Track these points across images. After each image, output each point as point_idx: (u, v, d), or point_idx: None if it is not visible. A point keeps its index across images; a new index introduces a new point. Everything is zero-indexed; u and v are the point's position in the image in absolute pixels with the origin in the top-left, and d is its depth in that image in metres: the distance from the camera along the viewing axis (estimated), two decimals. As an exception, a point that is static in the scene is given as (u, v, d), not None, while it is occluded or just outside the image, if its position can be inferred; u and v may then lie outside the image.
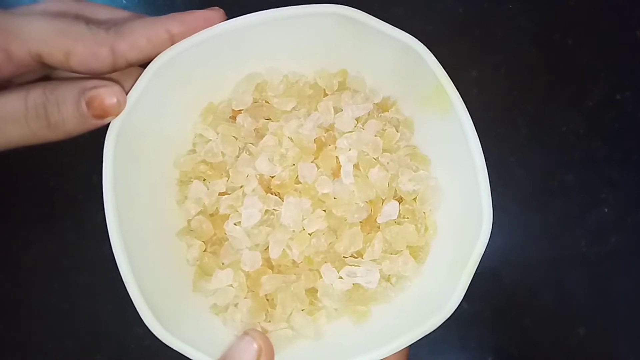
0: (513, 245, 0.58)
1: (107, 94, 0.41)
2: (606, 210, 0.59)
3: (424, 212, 0.50)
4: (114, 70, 0.43)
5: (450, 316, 0.42)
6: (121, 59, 0.42)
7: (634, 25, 0.64)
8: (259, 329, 0.46)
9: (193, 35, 0.44)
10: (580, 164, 0.60)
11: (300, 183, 0.48)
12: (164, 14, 0.44)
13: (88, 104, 0.41)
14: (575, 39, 0.62)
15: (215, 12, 0.45)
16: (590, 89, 0.62)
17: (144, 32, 0.42)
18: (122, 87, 0.43)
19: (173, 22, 0.43)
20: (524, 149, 0.60)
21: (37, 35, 0.40)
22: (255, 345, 0.43)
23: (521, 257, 0.58)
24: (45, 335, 0.55)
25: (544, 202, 0.59)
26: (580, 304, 0.58)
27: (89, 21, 0.42)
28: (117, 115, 0.43)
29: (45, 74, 0.46)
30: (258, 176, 0.49)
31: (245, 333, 0.45)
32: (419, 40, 0.45)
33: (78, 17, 0.43)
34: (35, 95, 0.41)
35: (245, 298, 0.47)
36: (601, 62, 0.62)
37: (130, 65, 0.43)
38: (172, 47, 0.44)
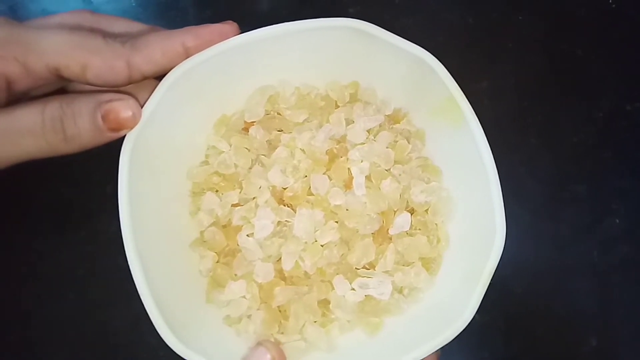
0: (524, 255, 0.58)
1: (123, 107, 0.42)
2: (617, 220, 0.59)
3: (436, 224, 0.50)
4: (129, 83, 0.43)
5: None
6: (137, 72, 0.42)
7: (644, 35, 0.63)
8: (272, 340, 0.46)
9: (207, 49, 0.45)
10: (591, 174, 0.60)
11: (313, 195, 0.49)
12: (177, 25, 0.44)
13: (104, 117, 0.41)
14: (584, 50, 0.63)
15: (230, 25, 0.45)
16: (600, 99, 0.62)
17: (160, 45, 0.43)
18: (137, 100, 0.43)
19: (188, 36, 0.44)
20: (535, 159, 0.60)
21: (54, 49, 0.41)
22: (268, 356, 0.43)
23: (532, 267, 0.58)
24: (59, 345, 0.55)
25: (555, 212, 0.59)
26: (592, 314, 0.57)
27: (105, 34, 0.43)
28: (132, 128, 0.43)
29: (61, 86, 0.46)
30: (270, 188, 0.49)
31: (259, 344, 0.45)
32: (429, 51, 0.46)
33: (94, 30, 0.43)
34: (52, 108, 0.42)
35: (258, 309, 0.47)
36: (611, 73, 0.62)
37: (145, 78, 0.43)
38: (186, 60, 0.44)
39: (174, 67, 0.44)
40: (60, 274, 0.56)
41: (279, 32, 0.46)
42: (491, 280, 0.43)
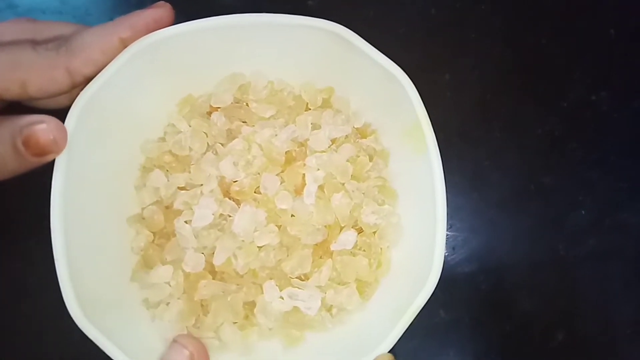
0: (490, 250, 0.57)
1: (43, 132, 0.40)
2: (583, 212, 0.58)
3: (380, 248, 0.49)
4: (74, 88, 0.42)
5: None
6: (78, 76, 0.41)
7: (608, 23, 0.62)
8: (185, 332, 0.46)
9: (180, 25, 0.44)
10: (557, 166, 0.59)
11: (261, 193, 0.48)
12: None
13: (24, 143, 0.40)
14: (548, 39, 0.61)
15: (163, 9, 0.44)
16: (565, 89, 0.60)
17: (97, 45, 0.42)
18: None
19: (122, 28, 0.42)
20: (499, 151, 0.59)
21: None
22: (186, 352, 0.42)
23: (498, 262, 0.57)
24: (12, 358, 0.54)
25: (521, 205, 0.58)
26: (558, 308, 0.57)
27: (36, 44, 0.41)
28: (58, 153, 0.41)
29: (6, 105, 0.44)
30: (219, 178, 0.48)
31: (175, 340, 0.44)
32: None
33: (24, 43, 0.42)
34: None
35: (178, 299, 0.46)
36: (575, 63, 0.61)
37: (89, 80, 0.42)
38: (155, 32, 0.44)
39: (114, 60, 0.43)
40: (12, 284, 0.54)
41: (257, 22, 0.46)
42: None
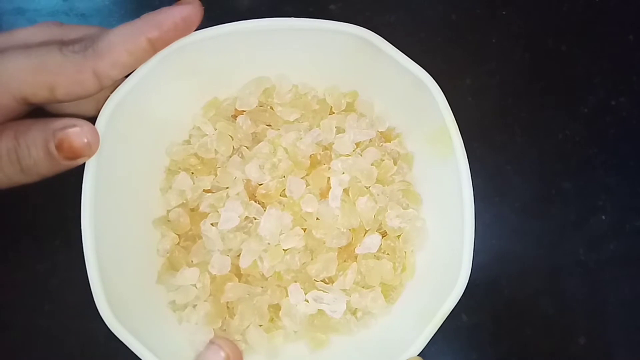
0: (511, 254, 0.57)
1: (76, 136, 0.40)
2: (603, 217, 0.58)
3: (405, 252, 0.49)
4: (102, 89, 0.41)
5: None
6: (106, 79, 0.40)
7: (627, 29, 0.63)
8: (212, 335, 0.45)
9: (207, 29, 0.44)
10: (577, 170, 0.59)
11: (286, 197, 0.48)
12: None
13: (58, 147, 0.39)
14: (568, 45, 0.61)
15: (192, 6, 0.42)
16: (585, 95, 0.61)
17: (123, 46, 0.40)
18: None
19: (150, 27, 0.41)
20: (520, 156, 0.59)
21: (17, 78, 0.39)
22: (222, 354, 0.42)
23: (519, 266, 0.57)
24: (36, 359, 0.54)
25: (542, 209, 0.58)
26: (580, 312, 0.56)
27: (63, 45, 0.40)
28: (90, 156, 0.41)
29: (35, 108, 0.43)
30: (245, 181, 0.48)
31: (211, 341, 0.44)
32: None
33: (52, 45, 0.40)
34: (7, 139, 0.40)
35: (205, 301, 0.46)
36: (595, 68, 0.61)
37: (116, 82, 0.42)
38: (184, 38, 0.43)
39: (144, 64, 0.42)
40: (35, 284, 0.54)
41: (285, 26, 0.45)
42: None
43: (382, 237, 0.48)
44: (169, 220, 0.49)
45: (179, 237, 0.49)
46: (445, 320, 0.42)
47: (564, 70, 0.61)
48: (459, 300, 0.42)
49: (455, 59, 0.61)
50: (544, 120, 0.60)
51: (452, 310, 0.42)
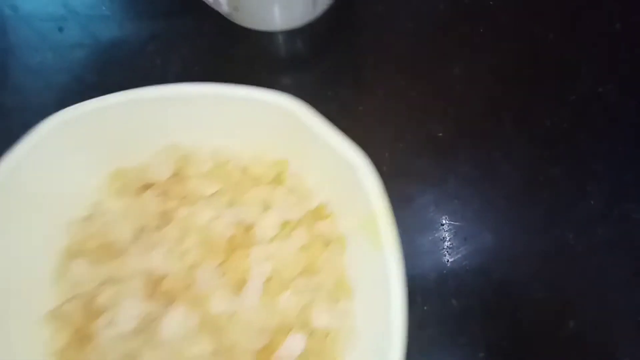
0: (501, 240, 0.57)
1: None
2: (592, 202, 0.59)
3: (334, 355, 0.42)
4: None
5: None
6: None
7: (614, 18, 0.63)
8: None
9: (110, 95, 0.39)
10: (565, 157, 0.60)
11: (195, 291, 0.41)
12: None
13: None
14: (556, 34, 0.62)
15: None
16: (573, 82, 0.61)
17: None
18: None
19: None
20: (509, 143, 0.60)
21: None
22: None
23: (509, 252, 0.57)
24: None
25: (531, 196, 0.59)
26: (569, 297, 0.57)
27: None
28: None
29: None
30: (148, 272, 0.41)
31: None
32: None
33: None
34: None
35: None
36: (583, 56, 0.62)
37: None
38: (81, 104, 0.38)
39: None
40: None
41: (194, 95, 0.40)
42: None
43: (307, 336, 0.42)
44: (60, 315, 0.42)
45: (73, 334, 0.42)
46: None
47: (551, 58, 0.62)
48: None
49: (443, 48, 0.61)
50: (532, 108, 0.60)
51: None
